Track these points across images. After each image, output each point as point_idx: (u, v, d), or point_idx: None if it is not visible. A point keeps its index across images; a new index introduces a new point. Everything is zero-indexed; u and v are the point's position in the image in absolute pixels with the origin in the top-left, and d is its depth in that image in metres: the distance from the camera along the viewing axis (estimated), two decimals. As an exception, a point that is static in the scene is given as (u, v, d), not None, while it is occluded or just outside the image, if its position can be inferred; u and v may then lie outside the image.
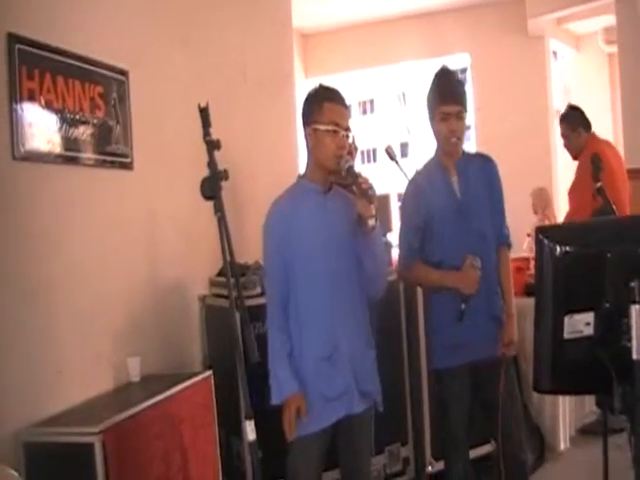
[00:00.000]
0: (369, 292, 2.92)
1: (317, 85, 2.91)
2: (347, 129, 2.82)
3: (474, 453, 4.25)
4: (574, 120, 5.14)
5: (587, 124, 5.14)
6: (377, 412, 2.95)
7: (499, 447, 3.27)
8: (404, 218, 3.27)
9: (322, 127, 2.79)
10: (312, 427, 2.76)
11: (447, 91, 3.17)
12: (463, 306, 3.07)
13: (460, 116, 3.16)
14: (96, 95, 3.48)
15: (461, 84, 3.27)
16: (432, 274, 3.18)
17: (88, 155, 3.44)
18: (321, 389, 2.76)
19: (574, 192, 5.05)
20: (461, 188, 3.22)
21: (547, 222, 6.11)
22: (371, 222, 2.66)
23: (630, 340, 2.00)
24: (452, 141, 3.18)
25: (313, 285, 2.79)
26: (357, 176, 2.70)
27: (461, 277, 3.07)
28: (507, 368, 3.19)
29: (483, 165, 3.32)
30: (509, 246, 3.32)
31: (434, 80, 3.25)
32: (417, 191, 3.20)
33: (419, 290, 4.05)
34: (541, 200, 6.92)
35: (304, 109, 2.88)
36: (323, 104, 2.81)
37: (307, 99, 2.89)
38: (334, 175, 2.87)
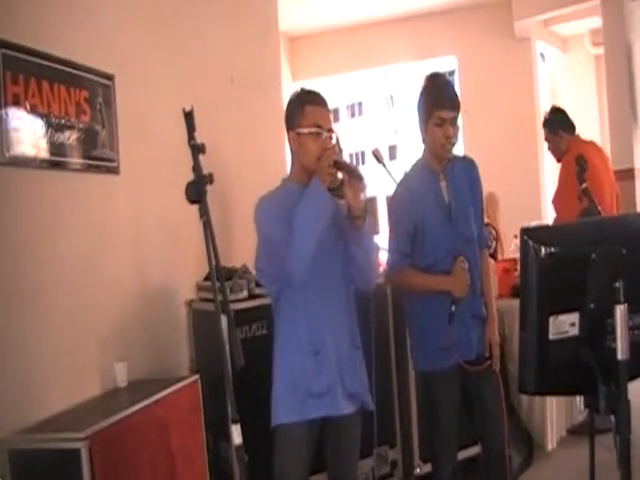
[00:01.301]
0: (361, 284, 2.93)
1: (298, 89, 2.93)
2: (329, 130, 2.81)
3: (461, 455, 4.28)
4: (555, 123, 5.16)
5: (570, 126, 5.15)
6: (367, 412, 2.96)
7: (484, 446, 3.29)
8: (394, 222, 3.26)
9: (305, 130, 2.79)
10: (295, 416, 2.76)
11: (444, 96, 3.15)
12: (453, 308, 3.08)
13: (455, 122, 3.15)
14: (82, 100, 3.47)
15: (454, 89, 3.27)
16: (428, 279, 3.17)
17: (74, 160, 3.42)
18: (306, 383, 2.76)
19: (558, 199, 5.02)
20: (449, 193, 3.22)
21: (492, 230, 5.98)
22: (358, 211, 2.70)
23: (615, 340, 2.01)
24: (447, 147, 3.17)
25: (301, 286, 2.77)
26: (343, 163, 2.72)
27: (454, 280, 3.09)
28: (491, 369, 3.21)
29: (466, 168, 3.32)
30: (488, 248, 3.33)
31: (427, 84, 3.22)
32: (407, 195, 3.21)
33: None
34: (491, 205, 6.74)
35: (287, 114, 2.89)
36: (305, 107, 2.81)
37: (289, 104, 2.90)
38: (328, 177, 2.86)
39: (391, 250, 3.26)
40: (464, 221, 3.21)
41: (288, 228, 2.66)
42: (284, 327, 2.84)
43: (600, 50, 9.53)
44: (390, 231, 3.28)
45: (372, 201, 2.82)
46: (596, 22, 8.96)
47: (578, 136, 5.17)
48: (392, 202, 3.30)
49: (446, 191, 3.22)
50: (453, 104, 3.15)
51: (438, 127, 3.13)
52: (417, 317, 3.30)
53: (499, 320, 4.71)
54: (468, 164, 3.34)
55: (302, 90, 2.91)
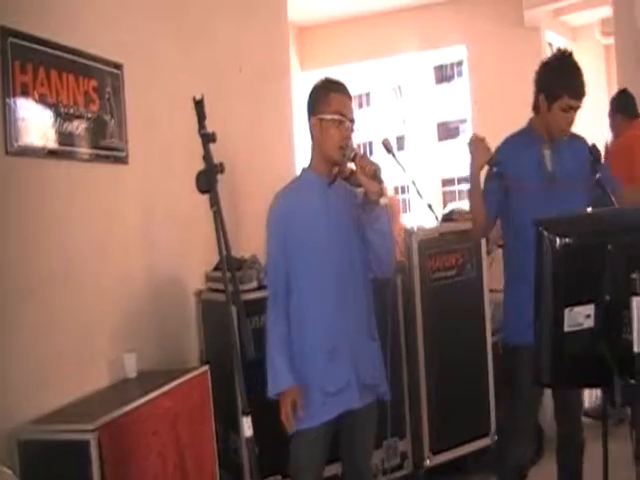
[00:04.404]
0: (378, 270, 2.91)
1: (323, 77, 2.93)
2: (352, 120, 2.83)
3: (472, 447, 4.27)
4: (616, 103, 5.27)
5: (628, 110, 5.17)
6: (383, 402, 2.97)
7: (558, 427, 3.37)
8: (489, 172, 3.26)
9: (328, 117, 2.80)
10: (312, 421, 2.76)
11: (578, 85, 3.13)
12: None
13: (578, 110, 3.17)
14: (90, 89, 3.45)
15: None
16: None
17: (83, 150, 3.40)
18: (321, 383, 2.76)
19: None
20: (553, 163, 3.20)
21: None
22: (383, 200, 2.71)
23: (631, 333, 1.98)
24: (565, 132, 3.20)
25: (316, 277, 2.79)
26: (364, 160, 2.73)
27: (472, 155, 3.14)
28: None
29: (573, 142, 3.27)
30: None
31: (565, 64, 3.18)
32: (503, 156, 3.21)
33: (417, 285, 4.05)
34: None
35: (310, 99, 2.89)
36: (329, 94, 2.83)
37: (313, 90, 2.90)
38: (338, 167, 2.88)
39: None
40: (567, 193, 3.14)
41: (283, 249, 2.79)
42: (294, 328, 2.81)
43: (610, 40, 9.47)
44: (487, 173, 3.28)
45: (385, 187, 2.83)
46: (606, 12, 8.89)
47: (633, 121, 5.14)
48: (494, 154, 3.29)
49: (550, 160, 3.21)
50: (583, 95, 3.15)
51: (564, 112, 3.13)
52: (511, 292, 3.28)
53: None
54: (576, 139, 3.30)
55: (327, 79, 2.91)
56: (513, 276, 3.26)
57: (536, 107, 3.26)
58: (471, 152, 3.15)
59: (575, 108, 3.14)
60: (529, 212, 2.98)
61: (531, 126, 3.31)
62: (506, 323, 3.32)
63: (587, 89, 3.15)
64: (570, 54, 3.20)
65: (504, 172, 3.14)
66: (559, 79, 3.14)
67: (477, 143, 3.15)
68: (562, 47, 3.27)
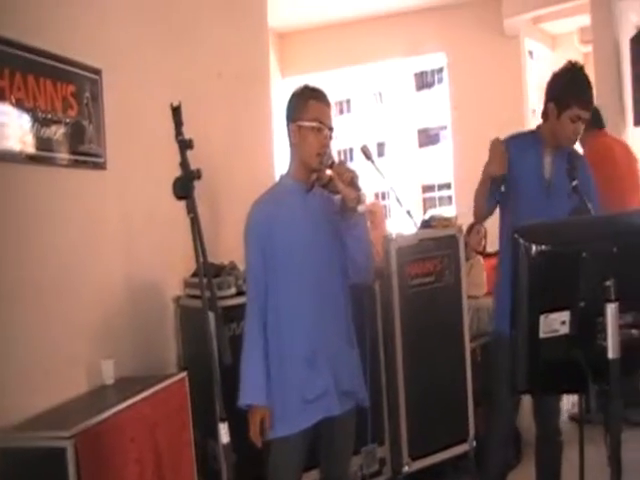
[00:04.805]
0: (356, 277, 2.91)
1: (302, 84, 2.93)
2: (330, 128, 2.84)
3: (451, 452, 4.29)
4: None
5: (597, 123, 5.19)
6: (362, 409, 2.98)
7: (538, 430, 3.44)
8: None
9: (306, 124, 2.80)
10: (291, 428, 2.76)
11: (588, 97, 3.24)
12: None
13: (585, 121, 3.26)
14: (68, 94, 3.44)
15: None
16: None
17: (61, 155, 3.39)
18: (300, 390, 2.76)
19: None
20: (551, 171, 3.29)
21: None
22: (361, 208, 2.71)
23: (605, 339, 2.00)
24: (572, 141, 3.30)
25: (295, 285, 2.79)
26: (342, 167, 2.74)
27: (489, 161, 3.20)
28: None
29: (573, 158, 3.30)
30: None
31: (577, 75, 3.27)
32: (514, 147, 3.30)
33: (396, 291, 4.06)
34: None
35: (289, 106, 2.90)
36: (308, 101, 2.83)
37: (292, 96, 2.91)
38: (316, 174, 2.88)
39: None
40: (557, 202, 3.19)
41: (262, 257, 2.79)
42: (273, 334, 2.81)
43: (589, 48, 9.55)
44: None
45: (363, 195, 2.83)
46: (585, 20, 8.98)
47: (599, 131, 5.23)
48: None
49: (549, 167, 3.30)
50: (591, 106, 3.27)
51: (572, 123, 3.22)
52: (502, 276, 3.36)
53: (488, 317, 4.72)
54: (578, 157, 3.37)
55: (306, 86, 2.92)
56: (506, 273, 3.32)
57: (545, 115, 3.33)
58: (489, 156, 3.22)
59: (583, 119, 3.22)
60: (523, 216, 3.07)
61: (538, 132, 3.39)
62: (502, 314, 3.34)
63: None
64: (581, 67, 3.31)
65: (511, 173, 3.23)
66: (570, 89, 3.23)
67: (494, 150, 3.20)
68: (573, 60, 3.35)
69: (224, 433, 2.28)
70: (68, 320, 3.33)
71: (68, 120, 3.43)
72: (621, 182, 5.09)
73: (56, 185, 3.35)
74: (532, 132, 3.44)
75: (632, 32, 8.30)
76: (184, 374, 3.67)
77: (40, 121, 3.24)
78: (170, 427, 3.43)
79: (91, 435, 2.84)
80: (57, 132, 3.35)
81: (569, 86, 3.24)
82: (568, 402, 4.86)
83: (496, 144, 3.20)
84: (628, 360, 2.02)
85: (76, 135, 3.48)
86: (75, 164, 3.48)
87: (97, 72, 3.65)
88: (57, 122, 3.35)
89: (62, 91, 3.40)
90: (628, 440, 2.09)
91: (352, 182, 2.68)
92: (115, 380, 3.47)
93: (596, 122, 5.21)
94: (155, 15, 4.21)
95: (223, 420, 2.28)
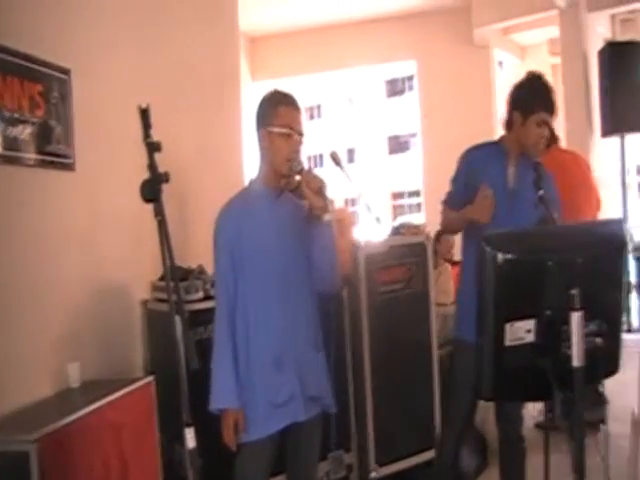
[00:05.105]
0: (321, 285, 2.90)
1: (272, 89, 2.92)
2: (300, 134, 2.83)
3: (416, 459, 4.30)
4: None
5: (550, 139, 5.30)
6: (328, 414, 2.97)
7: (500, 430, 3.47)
8: (455, 176, 3.42)
9: (276, 129, 2.79)
10: (259, 433, 2.75)
11: (551, 101, 3.28)
12: None
13: (551, 126, 3.33)
14: (36, 94, 3.40)
15: None
16: (457, 214, 3.34)
17: (27, 155, 3.35)
18: (267, 395, 2.75)
19: None
20: (515, 181, 3.32)
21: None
22: (327, 217, 2.71)
23: (570, 347, 2.02)
24: (540, 147, 3.31)
25: (262, 290, 2.78)
26: (310, 175, 2.73)
27: (475, 207, 3.19)
28: None
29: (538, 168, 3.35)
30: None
31: (537, 83, 3.32)
32: (470, 162, 3.37)
33: (364, 298, 4.07)
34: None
35: (259, 111, 2.88)
36: (278, 107, 2.82)
37: (262, 102, 2.89)
38: (285, 180, 2.87)
39: (446, 195, 3.46)
40: (519, 213, 3.21)
41: (231, 261, 2.77)
42: (241, 338, 2.79)
43: (558, 60, 9.66)
44: (451, 180, 3.45)
45: (331, 203, 2.83)
46: (554, 32, 9.09)
47: (554, 146, 5.30)
48: (458, 161, 3.43)
49: (512, 177, 3.33)
50: (555, 110, 3.30)
51: (538, 127, 3.26)
52: (466, 279, 3.40)
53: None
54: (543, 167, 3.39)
55: (276, 91, 2.90)
56: (468, 281, 3.34)
57: (509, 124, 3.36)
58: (476, 204, 3.20)
59: (548, 124, 3.27)
60: (487, 226, 3.11)
61: (501, 141, 3.43)
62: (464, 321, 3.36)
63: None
64: (542, 75, 3.36)
65: (475, 183, 3.23)
66: (534, 95, 3.28)
67: (484, 201, 3.18)
68: (533, 70, 3.44)
69: (190, 438, 2.27)
70: (32, 322, 3.29)
71: (35, 120, 3.39)
72: (576, 192, 5.18)
73: (22, 185, 3.32)
74: (495, 143, 3.47)
75: (600, 45, 8.43)
76: (151, 378, 3.65)
77: (6, 120, 3.19)
78: (136, 431, 3.41)
79: (55, 439, 2.80)
80: (24, 132, 3.31)
81: (533, 92, 3.29)
82: (534, 409, 4.90)
83: (487, 194, 3.17)
84: (592, 368, 2.05)
85: (43, 135, 3.44)
86: (42, 164, 3.44)
87: (66, 72, 3.61)
88: (24, 122, 3.31)
89: (29, 90, 3.36)
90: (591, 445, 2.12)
91: (320, 191, 2.69)
92: (81, 383, 3.44)
93: (549, 138, 5.42)
94: (125, 16, 4.18)
95: (189, 425, 2.27)
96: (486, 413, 4.68)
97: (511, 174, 3.34)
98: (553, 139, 5.35)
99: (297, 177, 2.82)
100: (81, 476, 2.98)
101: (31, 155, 3.37)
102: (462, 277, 3.52)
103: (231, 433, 2.71)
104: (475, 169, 3.31)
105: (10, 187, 3.23)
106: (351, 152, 34.37)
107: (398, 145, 34.89)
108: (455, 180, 3.44)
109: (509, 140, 3.38)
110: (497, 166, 3.34)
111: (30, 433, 2.72)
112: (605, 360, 2.11)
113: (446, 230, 3.53)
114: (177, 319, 2.35)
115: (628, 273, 7.02)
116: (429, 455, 4.32)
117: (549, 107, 3.26)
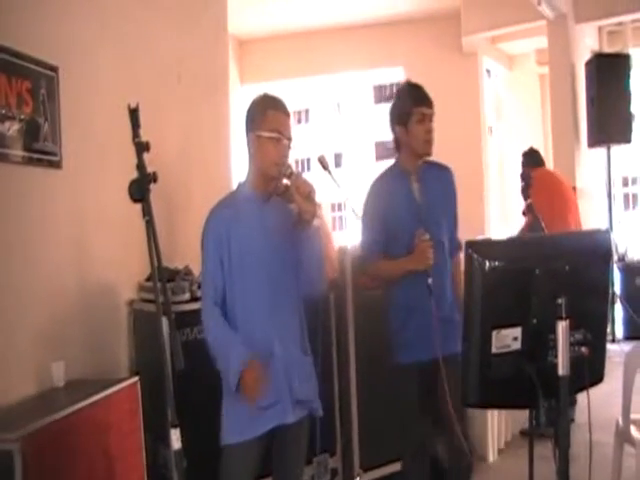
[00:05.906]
0: (307, 289, 2.91)
1: (261, 93, 2.93)
2: (289, 138, 2.83)
3: (386, 470, 4.30)
4: (527, 159, 5.91)
5: (537, 162, 5.96)
6: (314, 418, 2.97)
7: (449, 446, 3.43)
8: (366, 215, 3.36)
9: (265, 134, 2.80)
10: (244, 435, 2.75)
11: (422, 95, 3.33)
12: (430, 280, 3.17)
13: (432, 119, 3.32)
14: (24, 90, 3.38)
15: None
16: (392, 264, 3.30)
17: (14, 152, 3.33)
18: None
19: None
20: (421, 195, 3.33)
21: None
22: (316, 221, 2.73)
23: (556, 356, 2.03)
24: (429, 142, 3.31)
25: (249, 293, 2.79)
26: (300, 180, 2.74)
27: (415, 255, 3.18)
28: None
29: (441, 174, 3.45)
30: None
31: (403, 88, 3.42)
32: (379, 194, 3.35)
33: (350, 302, 4.06)
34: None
35: (248, 115, 2.88)
36: (267, 111, 2.82)
37: (251, 106, 2.90)
38: (274, 183, 2.88)
39: (363, 241, 3.39)
40: (435, 225, 3.29)
41: (219, 263, 2.77)
42: None
43: (545, 69, 9.73)
44: (362, 227, 3.38)
45: (318, 207, 2.85)
46: (542, 42, 9.14)
47: (541, 168, 5.91)
48: (365, 200, 3.40)
49: (418, 192, 3.33)
50: (430, 102, 3.33)
51: (420, 123, 3.28)
52: (394, 318, 3.41)
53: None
54: (444, 171, 3.47)
55: (265, 95, 2.91)
56: (393, 303, 3.43)
57: (397, 142, 3.42)
58: (416, 254, 3.19)
59: (428, 116, 3.30)
60: (405, 246, 3.19)
61: (397, 163, 3.44)
62: (400, 344, 3.42)
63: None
64: (407, 81, 3.48)
65: (389, 213, 3.28)
66: (404, 99, 3.36)
67: (426, 250, 3.18)
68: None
69: (175, 439, 2.27)
70: (18, 321, 3.27)
71: (23, 116, 3.37)
72: (565, 205, 5.87)
73: (8, 182, 3.29)
74: (392, 167, 3.47)
75: (587, 56, 8.50)
76: (136, 378, 3.63)
77: (-7, 116, 3.18)
78: (121, 432, 3.39)
79: (39, 438, 2.78)
80: (11, 128, 3.29)
81: (401, 98, 3.38)
82: (522, 416, 4.93)
83: (424, 239, 3.17)
84: (577, 377, 2.06)
85: (31, 132, 3.42)
86: (29, 161, 3.42)
87: (54, 69, 3.59)
88: (11, 118, 3.29)
89: (17, 87, 3.34)
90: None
91: (309, 196, 2.69)
92: (65, 383, 3.41)
93: (537, 162, 5.95)
94: (116, 16, 4.17)
95: (175, 426, 2.27)
96: (472, 419, 4.69)
97: (416, 190, 3.34)
98: (541, 163, 6.01)
99: (285, 181, 2.83)
100: (65, 476, 2.96)
101: (18, 152, 3.35)
102: (386, 302, 3.49)
103: (253, 386, 2.66)
104: (385, 198, 3.32)
105: (-3, 184, 3.22)
106: (338, 157, 34.42)
107: (385, 151, 34.78)
108: (369, 224, 3.35)
109: (404, 158, 3.40)
110: (402, 188, 3.34)
111: (13, 432, 2.70)
112: (590, 369, 2.12)
113: (380, 283, 3.51)
114: (164, 320, 2.35)
115: (612, 284, 7.15)
116: (397, 467, 4.32)
117: (422, 99, 3.31)
